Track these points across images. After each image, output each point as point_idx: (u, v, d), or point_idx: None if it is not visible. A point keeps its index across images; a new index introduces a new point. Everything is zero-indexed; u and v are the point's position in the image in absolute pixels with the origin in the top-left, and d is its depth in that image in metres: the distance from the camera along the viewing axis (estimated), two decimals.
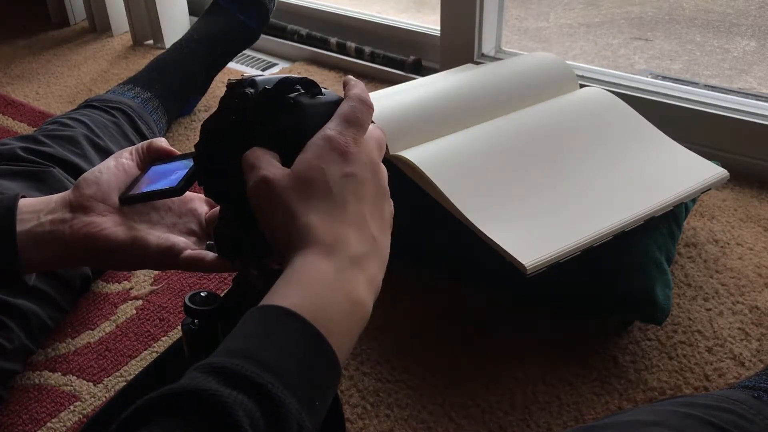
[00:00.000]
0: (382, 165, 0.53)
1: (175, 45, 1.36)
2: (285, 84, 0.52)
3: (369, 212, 0.49)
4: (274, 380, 0.38)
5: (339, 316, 0.44)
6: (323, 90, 0.53)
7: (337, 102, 0.53)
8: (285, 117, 0.51)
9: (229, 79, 0.54)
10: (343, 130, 0.50)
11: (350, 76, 0.56)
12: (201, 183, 0.55)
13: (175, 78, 1.30)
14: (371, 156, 0.51)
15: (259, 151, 0.50)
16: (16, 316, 0.82)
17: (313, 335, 0.42)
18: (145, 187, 0.58)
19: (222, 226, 0.54)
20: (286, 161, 0.50)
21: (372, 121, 0.54)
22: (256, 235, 0.50)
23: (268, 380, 0.38)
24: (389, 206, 0.53)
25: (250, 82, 0.52)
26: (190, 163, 0.58)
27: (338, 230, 0.47)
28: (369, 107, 0.53)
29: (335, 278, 0.45)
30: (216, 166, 0.53)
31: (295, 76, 0.53)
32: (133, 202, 0.57)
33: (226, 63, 1.41)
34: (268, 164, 0.49)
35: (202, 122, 0.55)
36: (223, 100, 0.53)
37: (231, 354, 0.40)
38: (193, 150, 0.56)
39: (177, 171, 0.58)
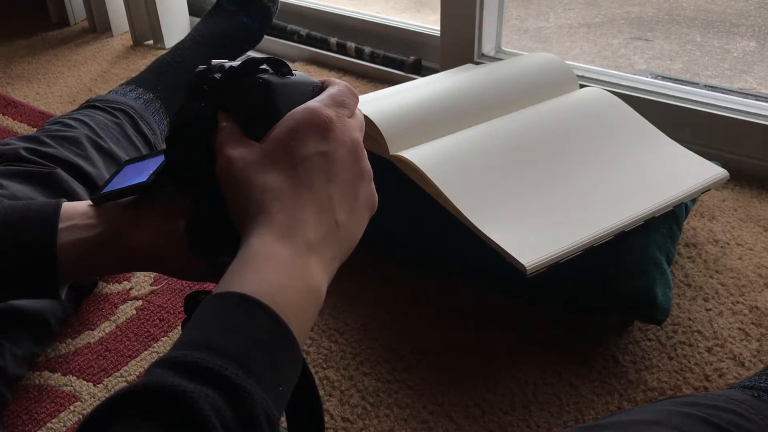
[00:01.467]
0: (363, 146, 0.52)
1: (177, 46, 1.36)
2: (251, 64, 0.51)
3: (338, 194, 0.48)
4: (238, 370, 0.38)
5: (296, 302, 0.43)
6: (294, 72, 0.52)
7: (309, 83, 0.52)
8: (254, 98, 0.50)
9: (198, 67, 0.52)
10: (329, 105, 0.49)
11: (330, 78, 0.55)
12: (174, 177, 0.54)
13: (178, 79, 1.30)
14: (353, 135, 0.50)
15: (226, 129, 0.49)
16: (27, 324, 0.83)
17: (275, 321, 0.41)
18: (118, 184, 0.57)
19: (196, 223, 0.53)
20: (254, 134, 0.49)
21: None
22: (231, 228, 0.49)
23: (232, 371, 0.37)
24: (367, 189, 0.51)
25: (219, 67, 0.51)
26: (159, 159, 0.56)
27: (297, 211, 0.46)
28: (354, 95, 0.52)
29: (292, 264, 0.44)
30: (189, 157, 0.52)
31: (262, 56, 0.52)
32: (105, 200, 0.56)
33: None
34: (233, 142, 0.48)
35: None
36: (191, 88, 0.52)
37: (192, 346, 0.39)
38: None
39: (150, 167, 0.56)
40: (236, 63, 0.52)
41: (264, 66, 0.51)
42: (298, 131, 0.48)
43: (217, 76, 0.51)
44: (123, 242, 0.55)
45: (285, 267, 0.44)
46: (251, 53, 1.62)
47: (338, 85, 0.52)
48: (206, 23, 1.38)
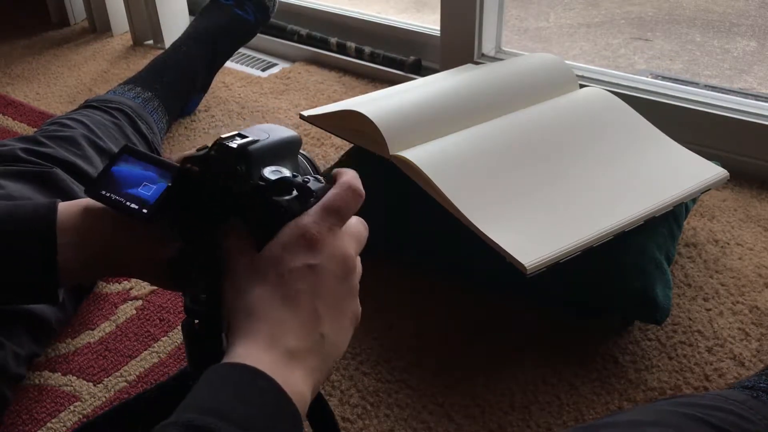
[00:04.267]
0: (358, 262, 0.51)
1: (174, 44, 1.36)
2: (282, 185, 0.51)
3: (324, 308, 0.48)
4: None
5: None
6: (320, 181, 0.53)
7: None
8: (271, 217, 0.50)
9: (220, 137, 0.52)
10: (320, 220, 0.49)
11: (342, 169, 0.54)
12: (172, 214, 0.55)
13: (175, 77, 1.30)
14: (344, 250, 0.50)
15: (232, 239, 0.51)
16: (27, 323, 0.83)
17: (279, 395, 0.43)
18: (116, 190, 0.57)
19: (182, 259, 0.55)
20: (259, 246, 0.50)
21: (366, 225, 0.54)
22: (213, 272, 0.51)
23: None
24: (354, 306, 0.51)
25: (242, 152, 0.51)
26: (162, 181, 0.57)
27: (280, 322, 0.47)
28: (357, 196, 0.52)
29: (272, 371, 0.44)
30: (189, 208, 0.54)
31: (296, 179, 0.52)
32: (100, 201, 0.56)
33: (227, 59, 1.41)
34: (240, 252, 0.50)
35: (183, 158, 0.55)
36: (210, 158, 0.52)
37: (203, 411, 0.40)
38: (168, 159, 0.57)
39: (149, 185, 0.57)
40: (261, 148, 0.52)
41: (293, 189, 0.52)
42: (287, 244, 0.49)
43: (241, 167, 0.51)
44: (115, 259, 0.57)
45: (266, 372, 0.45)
46: (249, 51, 1.62)
47: (338, 186, 0.52)
48: (202, 19, 1.38)
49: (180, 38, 1.36)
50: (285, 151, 0.54)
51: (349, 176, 0.52)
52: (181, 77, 1.30)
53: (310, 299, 0.48)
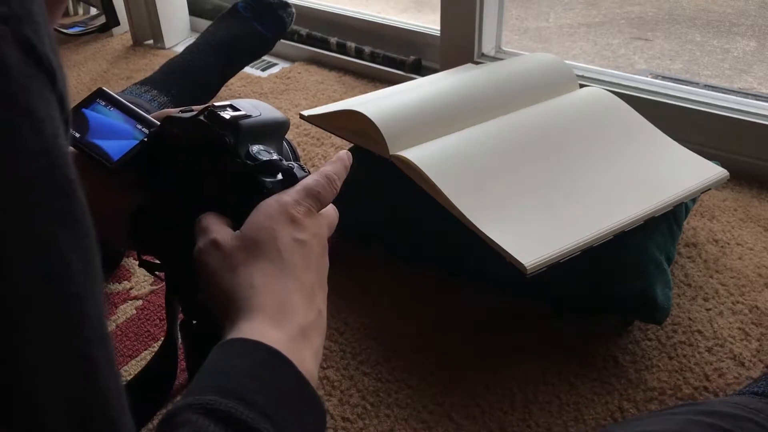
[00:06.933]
0: (327, 245, 0.52)
1: (190, 49, 1.34)
2: (270, 167, 0.51)
3: (317, 284, 0.48)
4: (269, 425, 0.38)
5: None
6: (304, 170, 0.53)
7: None
8: (252, 194, 0.50)
9: (212, 105, 0.52)
10: (301, 200, 0.50)
11: (342, 152, 0.55)
12: (139, 169, 0.54)
13: (191, 83, 1.29)
14: (321, 231, 0.51)
15: (211, 216, 0.50)
16: None
17: (299, 378, 0.42)
18: (86, 135, 0.55)
19: (145, 213, 0.53)
20: (236, 220, 0.50)
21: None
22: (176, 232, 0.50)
23: (263, 425, 0.38)
24: (326, 287, 0.52)
25: (234, 125, 0.51)
26: (136, 134, 0.55)
27: (286, 296, 0.46)
28: (333, 188, 0.53)
29: (287, 348, 0.43)
30: (159, 167, 0.53)
31: (283, 164, 0.52)
32: (74, 146, 0.55)
33: (239, 71, 1.41)
34: (218, 228, 0.49)
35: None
36: (199, 123, 0.51)
37: (222, 392, 0.39)
38: (143, 111, 0.55)
39: (123, 136, 0.55)
40: (252, 124, 0.51)
41: (279, 173, 0.52)
42: (274, 218, 0.48)
43: (229, 139, 0.50)
44: None
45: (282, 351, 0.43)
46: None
47: (318, 174, 0.53)
48: (221, 27, 1.37)
49: (197, 44, 1.34)
50: (274, 132, 0.54)
51: (330, 168, 0.53)
52: (196, 84, 1.30)
53: (305, 273, 0.47)
